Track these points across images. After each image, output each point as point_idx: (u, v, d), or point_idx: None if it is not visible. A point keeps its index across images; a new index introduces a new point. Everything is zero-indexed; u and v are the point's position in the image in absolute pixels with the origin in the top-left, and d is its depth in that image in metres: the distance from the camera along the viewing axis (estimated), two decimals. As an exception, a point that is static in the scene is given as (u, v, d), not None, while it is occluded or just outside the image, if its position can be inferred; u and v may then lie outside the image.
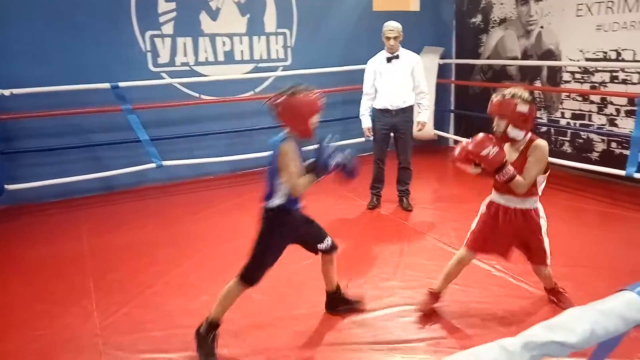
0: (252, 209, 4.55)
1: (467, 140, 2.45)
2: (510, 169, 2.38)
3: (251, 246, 2.45)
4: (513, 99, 2.40)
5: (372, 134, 4.42)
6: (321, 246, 2.57)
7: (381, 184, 4.61)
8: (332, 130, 5.87)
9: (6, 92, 4.45)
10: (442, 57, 6.49)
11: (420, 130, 4.43)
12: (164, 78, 5.36)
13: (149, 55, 5.28)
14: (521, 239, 2.60)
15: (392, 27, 4.24)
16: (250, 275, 2.43)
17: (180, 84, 5.42)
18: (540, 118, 5.78)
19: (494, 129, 2.48)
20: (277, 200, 2.34)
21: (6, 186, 4.54)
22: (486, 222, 2.60)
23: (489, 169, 2.39)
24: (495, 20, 6.22)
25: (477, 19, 6.44)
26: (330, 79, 5.90)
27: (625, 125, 4.86)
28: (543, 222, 2.56)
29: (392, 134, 4.43)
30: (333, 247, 2.61)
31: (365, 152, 6.36)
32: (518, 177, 2.39)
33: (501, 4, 6.07)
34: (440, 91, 6.57)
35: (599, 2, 4.95)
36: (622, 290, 0.87)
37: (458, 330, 2.62)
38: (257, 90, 5.84)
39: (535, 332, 0.77)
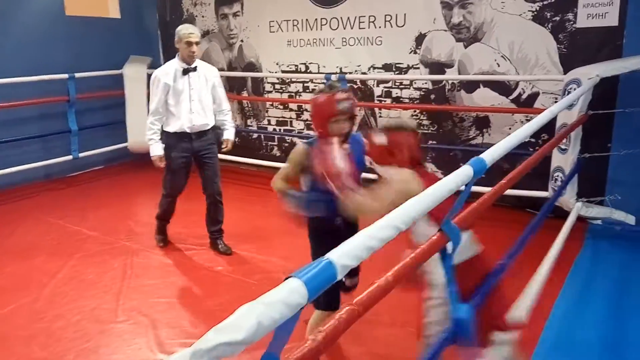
0: None
1: None
2: None
3: None
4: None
5: (165, 163, 3.58)
6: None
7: (171, 216, 3.85)
8: (29, 149, 5.29)
9: None
10: (150, 67, 6.32)
11: (228, 148, 3.75)
12: None
13: None
14: None
15: (192, 30, 3.47)
16: None
17: None
18: (251, 126, 6.21)
19: None
20: None
21: None
22: None
23: None
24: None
25: (183, 30, 6.50)
26: (20, 90, 5.08)
27: (318, 128, 5.63)
28: None
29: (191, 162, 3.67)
30: None
31: (73, 172, 5.76)
32: None
33: (203, 16, 6.27)
34: (154, 102, 6.42)
35: (287, 20, 5.60)
36: (288, 277, 0.94)
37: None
38: None
39: (205, 338, 0.78)
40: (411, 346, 2.42)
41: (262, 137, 6.17)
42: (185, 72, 3.49)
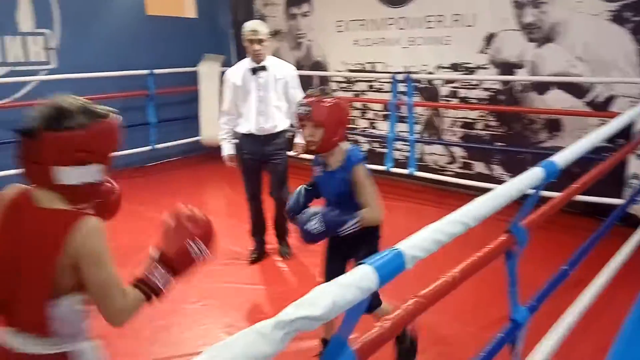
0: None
1: None
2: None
3: None
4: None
5: (236, 163, 3.51)
6: None
7: (263, 227, 3.64)
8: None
9: None
10: (223, 65, 6.60)
11: (298, 154, 3.52)
12: None
13: None
14: None
15: (254, 27, 3.26)
16: None
17: None
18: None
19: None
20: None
21: None
22: None
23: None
24: (270, 32, 6.57)
25: (254, 29, 6.74)
26: (106, 84, 5.48)
27: (382, 127, 5.66)
28: None
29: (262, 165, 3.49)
30: None
31: (150, 162, 6.13)
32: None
33: (273, 17, 6.47)
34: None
35: (354, 20, 5.67)
36: (360, 263, 1.02)
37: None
38: (16, 96, 5.08)
39: (285, 312, 0.86)
40: (472, 344, 2.44)
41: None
42: (254, 71, 3.32)
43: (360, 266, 1.02)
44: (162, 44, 6.17)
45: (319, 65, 6.14)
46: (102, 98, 5.52)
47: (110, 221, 4.48)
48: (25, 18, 5.11)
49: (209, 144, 6.31)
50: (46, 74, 5.28)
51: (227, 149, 3.46)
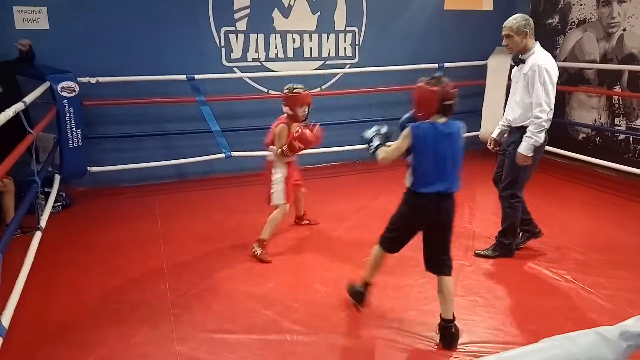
0: (313, 202, 4.73)
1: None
2: None
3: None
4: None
5: (495, 148, 3.69)
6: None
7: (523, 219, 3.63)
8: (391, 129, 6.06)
9: (92, 80, 4.76)
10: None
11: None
12: (235, 72, 5.55)
13: (223, 50, 5.48)
14: None
15: (505, 23, 3.41)
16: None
17: (250, 78, 5.59)
18: (619, 125, 5.51)
19: None
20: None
21: (89, 168, 4.88)
22: None
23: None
24: (573, 22, 5.96)
25: (554, 19, 6.20)
26: (398, 77, 5.87)
27: None
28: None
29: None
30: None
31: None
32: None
33: (581, 4, 5.81)
34: (510, 93, 6.41)
35: (691, 4, 4.65)
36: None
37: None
38: (324, 87, 5.92)
39: (630, 323, 0.78)
40: None
41: (631, 139, 5.39)
42: (516, 64, 3.45)
43: None
44: (455, 37, 6.25)
45: (632, 59, 5.28)
46: (391, 90, 5.95)
47: (386, 203, 4.75)
48: (340, 18, 5.86)
49: (486, 139, 6.16)
50: (349, 67, 5.97)
51: (494, 132, 3.68)
